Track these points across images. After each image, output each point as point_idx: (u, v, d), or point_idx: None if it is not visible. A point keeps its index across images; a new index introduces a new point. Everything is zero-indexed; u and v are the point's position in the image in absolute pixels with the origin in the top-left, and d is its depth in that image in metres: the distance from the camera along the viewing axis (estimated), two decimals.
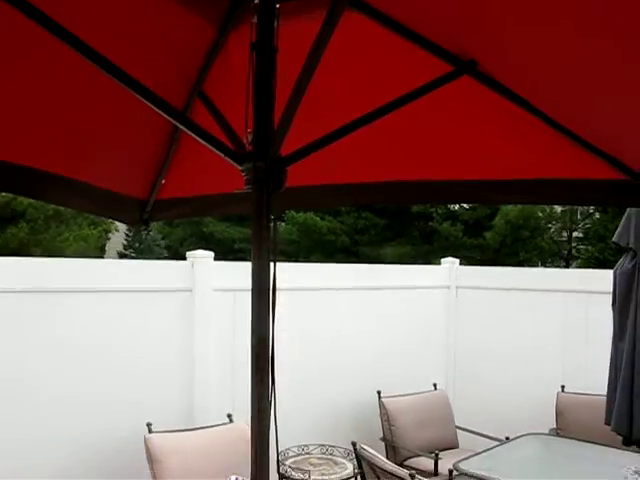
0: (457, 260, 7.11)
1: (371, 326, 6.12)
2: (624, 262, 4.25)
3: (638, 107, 1.72)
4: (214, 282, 4.94)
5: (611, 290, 4.43)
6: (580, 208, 20.76)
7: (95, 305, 4.41)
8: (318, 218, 21.24)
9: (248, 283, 1.72)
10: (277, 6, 1.63)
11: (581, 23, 1.45)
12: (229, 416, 4.66)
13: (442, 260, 7.13)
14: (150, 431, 4.23)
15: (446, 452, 5.41)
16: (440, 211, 21.11)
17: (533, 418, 5.71)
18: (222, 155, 1.63)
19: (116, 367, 4.45)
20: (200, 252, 4.98)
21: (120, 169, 2.50)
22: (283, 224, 22.45)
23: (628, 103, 1.73)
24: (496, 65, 1.85)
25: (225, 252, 19.08)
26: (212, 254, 4.98)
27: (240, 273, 4.83)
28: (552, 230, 22.57)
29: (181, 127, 1.68)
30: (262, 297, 1.69)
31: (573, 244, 22.22)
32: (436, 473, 4.99)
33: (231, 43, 1.93)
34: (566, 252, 22.26)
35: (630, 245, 4.16)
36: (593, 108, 1.88)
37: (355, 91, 1.93)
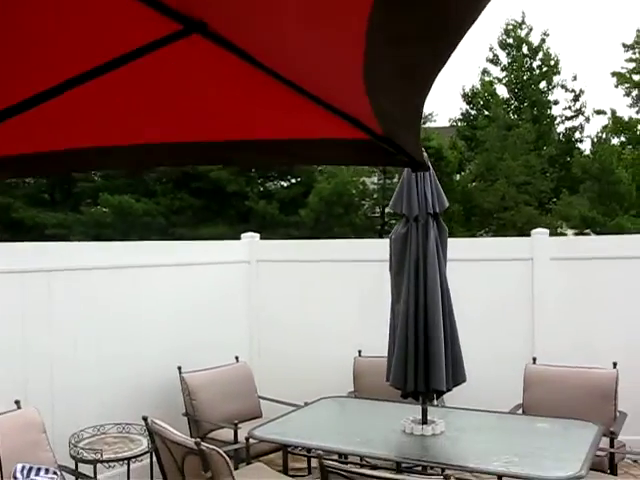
0: (257, 235, 7.19)
1: (171, 304, 6.08)
2: (398, 228, 4.51)
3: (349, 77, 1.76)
4: None
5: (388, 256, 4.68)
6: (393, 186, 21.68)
7: None
8: (133, 200, 20.59)
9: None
10: None
11: None
12: (17, 402, 4.46)
13: (242, 235, 7.17)
14: None
15: (248, 422, 5.51)
16: (256, 190, 21.30)
17: (335, 384, 5.91)
18: None
19: None
20: None
21: None
22: (99, 207, 21.63)
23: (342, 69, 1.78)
24: (228, 24, 1.87)
25: (36, 238, 18.02)
26: None
27: (27, 255, 4.65)
28: (366, 207, 23.49)
29: None
30: None
31: (386, 219, 23.25)
32: (236, 442, 5.08)
33: None
34: (379, 227, 23.26)
35: (403, 211, 4.42)
36: (322, 68, 1.93)
37: (81, 50, 1.88)
